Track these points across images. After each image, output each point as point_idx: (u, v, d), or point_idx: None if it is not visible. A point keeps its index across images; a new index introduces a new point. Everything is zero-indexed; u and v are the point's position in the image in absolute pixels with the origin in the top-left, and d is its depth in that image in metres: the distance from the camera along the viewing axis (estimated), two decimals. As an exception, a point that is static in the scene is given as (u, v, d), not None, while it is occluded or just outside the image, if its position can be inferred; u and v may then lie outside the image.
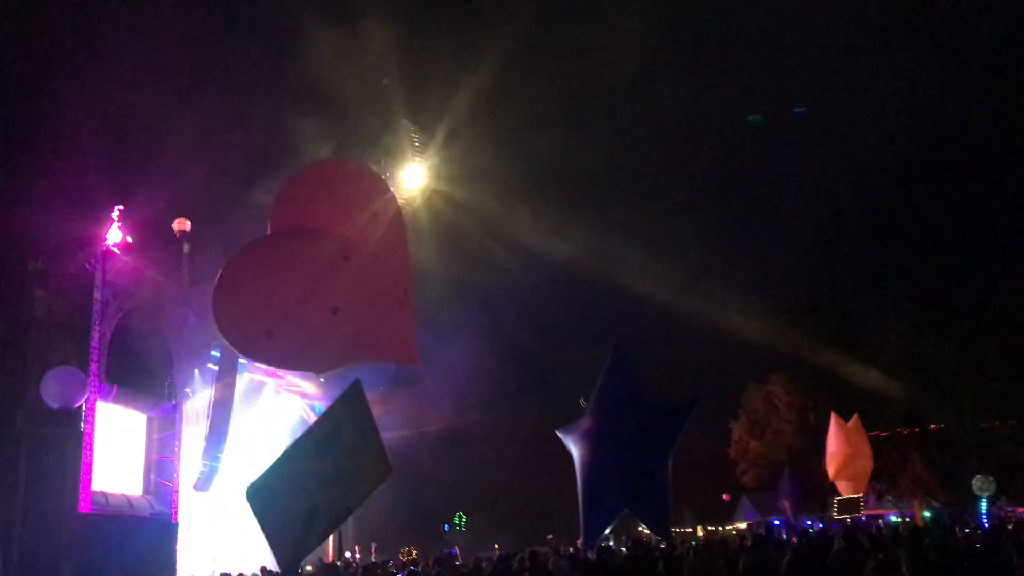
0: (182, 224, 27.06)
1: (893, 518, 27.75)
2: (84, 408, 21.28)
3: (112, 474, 23.24)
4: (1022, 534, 12.92)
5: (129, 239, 24.00)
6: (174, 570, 22.55)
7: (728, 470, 41.02)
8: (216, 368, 28.06)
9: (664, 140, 36.64)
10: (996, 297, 34.13)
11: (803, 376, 37.84)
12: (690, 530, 32.69)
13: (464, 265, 33.09)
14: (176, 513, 24.38)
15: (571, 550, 18.47)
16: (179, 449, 25.47)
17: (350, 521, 35.64)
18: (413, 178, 30.03)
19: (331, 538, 30.69)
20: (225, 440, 25.53)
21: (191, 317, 26.73)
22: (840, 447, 24.55)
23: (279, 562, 5.74)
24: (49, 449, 21.01)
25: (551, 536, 33.22)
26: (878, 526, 22.18)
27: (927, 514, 29.45)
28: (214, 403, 26.30)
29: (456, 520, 38.07)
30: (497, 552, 20.70)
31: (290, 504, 5.82)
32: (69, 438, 21.13)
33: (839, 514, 25.08)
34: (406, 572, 16.20)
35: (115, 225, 23.54)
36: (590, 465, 15.07)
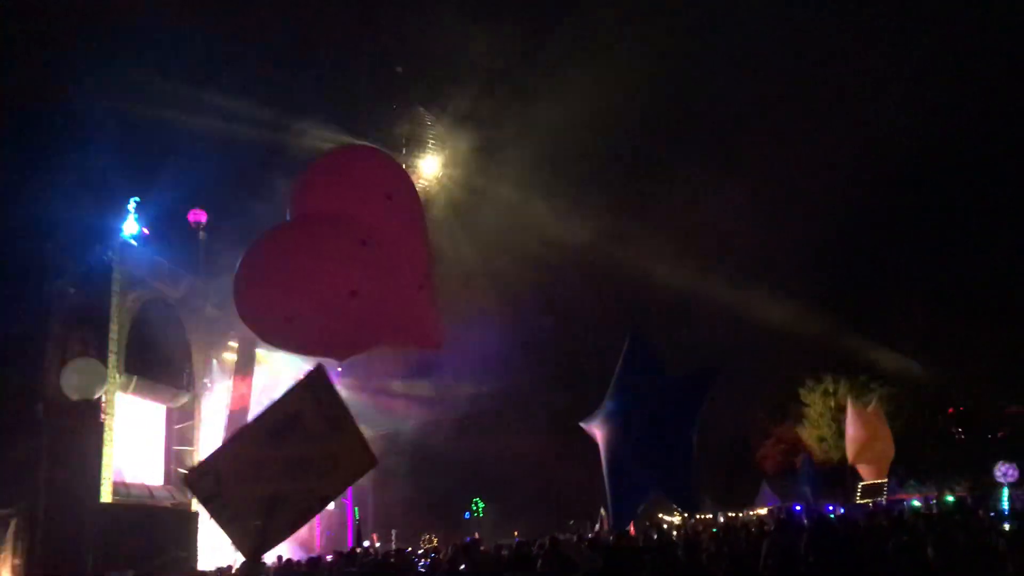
0: (198, 215, 27.13)
1: (915, 503, 27.54)
2: (104, 399, 21.39)
3: (133, 464, 23.38)
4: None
5: (146, 231, 24.09)
6: (195, 558, 22.67)
7: (748, 456, 40.98)
8: (234, 358, 28.23)
9: (687, 124, 36.33)
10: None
11: (827, 361, 37.65)
12: (710, 516, 32.56)
13: (481, 251, 33.02)
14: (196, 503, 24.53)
15: (589, 536, 18.45)
16: (198, 439, 25.59)
17: (370, 509, 35.91)
18: (429, 165, 29.98)
19: (352, 527, 30.94)
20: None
21: (208, 308, 26.85)
22: (859, 432, 24.38)
23: (240, 550, 5.54)
24: (70, 440, 21.14)
25: (572, 522, 33.23)
26: (900, 511, 22.01)
27: (950, 499, 29.22)
28: (232, 394, 26.43)
29: (474, 507, 38.14)
30: (516, 539, 20.69)
31: (243, 492, 5.55)
32: (90, 429, 21.26)
33: (861, 499, 24.93)
34: (428, 559, 16.22)
35: (132, 217, 23.61)
36: (615, 448, 14.99)
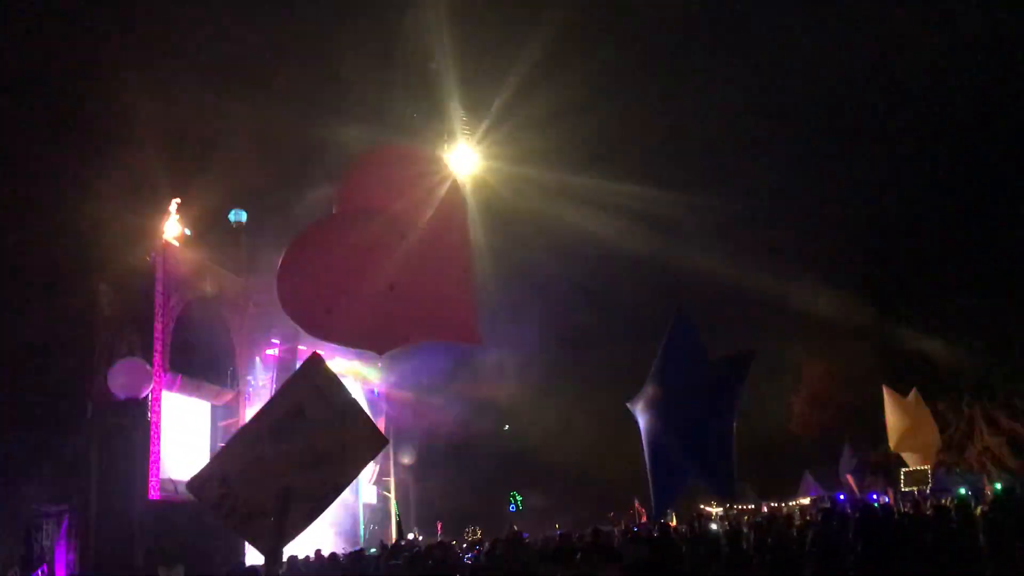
0: (238, 214, 27.47)
1: (961, 490, 27.13)
2: (150, 398, 21.78)
3: (179, 461, 23.77)
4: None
5: (187, 231, 24.44)
6: (242, 553, 23.00)
7: (788, 445, 40.62)
8: (276, 355, 28.58)
9: (728, 111, 35.90)
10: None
11: (868, 348, 37.23)
12: (752, 507, 32.36)
13: (518, 245, 33.06)
14: (242, 498, 24.84)
15: (635, 528, 18.47)
16: (243, 436, 25.94)
17: (412, 503, 36.20)
18: (463, 160, 30.07)
19: (393, 521, 31.19)
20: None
21: (250, 306, 27.21)
22: (899, 420, 24.08)
23: (258, 549, 5.48)
24: (118, 439, 21.61)
25: (611, 514, 33.20)
26: (947, 498, 21.74)
27: (998, 486, 28.77)
28: (275, 390, 26.72)
29: (512, 500, 38.29)
30: (559, 531, 20.75)
31: (254, 492, 5.47)
32: (137, 428, 21.69)
33: (906, 487, 24.63)
34: (472, 552, 16.34)
35: (173, 217, 23.96)
36: (655, 433, 14.96)
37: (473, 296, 9.15)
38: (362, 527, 31.32)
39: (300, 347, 28.63)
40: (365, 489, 31.96)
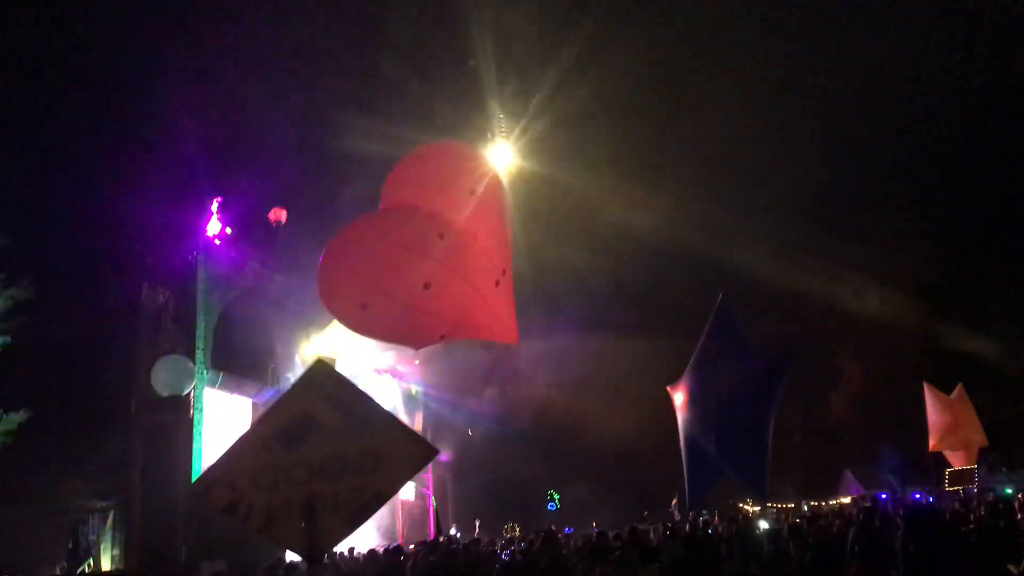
0: (278, 214, 27.66)
1: (1008, 490, 26.64)
2: (192, 395, 22.02)
3: (221, 458, 24.00)
4: None
5: (228, 230, 24.68)
6: (284, 549, 23.20)
7: (830, 443, 40.17)
8: (316, 352, 28.71)
9: (769, 107, 35.56)
10: None
11: (912, 345, 36.73)
12: (792, 506, 32.03)
13: (555, 244, 32.99)
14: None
15: (670, 524, 18.34)
16: (283, 432, 26.13)
17: (450, 499, 36.29)
18: (499, 158, 30.06)
19: (432, 517, 31.30)
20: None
21: (290, 304, 27.39)
22: (941, 417, 23.67)
23: (294, 552, 5.32)
24: (162, 435, 21.91)
25: (647, 513, 33.01)
26: (993, 497, 21.34)
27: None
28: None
29: (549, 498, 38.21)
30: (596, 529, 20.69)
31: (269, 499, 5.25)
32: (180, 425, 21.95)
33: (950, 486, 24.24)
34: (510, 549, 16.33)
35: (214, 216, 24.20)
36: (692, 426, 14.87)
37: (511, 296, 9.14)
38: (400, 523, 31.46)
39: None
40: (404, 486, 31.96)
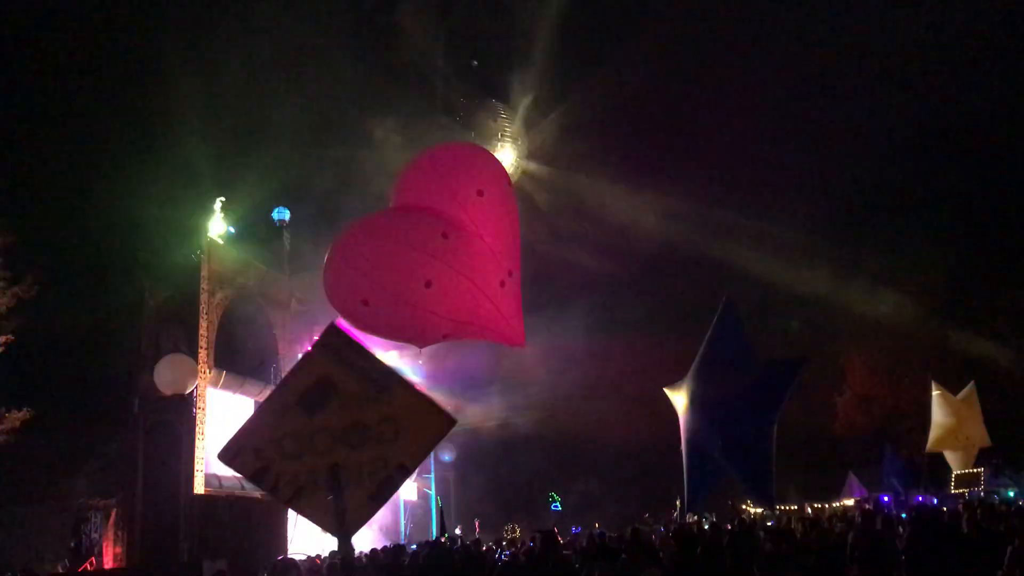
0: (281, 213, 27.72)
1: (1010, 492, 26.59)
2: (195, 394, 22.05)
3: (224, 457, 24.03)
4: None
5: (232, 229, 24.71)
6: (286, 547, 23.26)
7: (832, 445, 40.11)
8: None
9: (778, 107, 35.46)
10: None
11: (917, 347, 36.67)
12: (795, 508, 31.99)
13: (557, 245, 32.99)
14: (286, 493, 25.03)
15: (672, 526, 18.33)
16: (286, 432, 26.17)
17: (453, 499, 36.27)
18: (503, 158, 30.08)
19: (434, 517, 31.31)
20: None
21: (293, 303, 27.45)
22: (943, 418, 23.66)
23: (324, 529, 5.20)
24: (164, 434, 21.94)
25: (647, 515, 33.00)
26: (992, 501, 21.31)
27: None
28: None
29: (551, 499, 38.24)
30: (598, 530, 20.68)
31: (296, 467, 5.14)
32: (182, 423, 21.97)
33: (956, 488, 24.21)
34: (511, 550, 16.32)
35: (218, 216, 24.24)
36: (695, 428, 14.81)
37: (519, 298, 9.13)
38: (403, 523, 31.47)
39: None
40: (406, 485, 32.07)
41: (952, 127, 34.63)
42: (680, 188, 34.15)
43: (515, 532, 29.28)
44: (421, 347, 9.02)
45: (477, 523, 32.37)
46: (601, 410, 38.42)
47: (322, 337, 5.39)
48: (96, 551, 21.57)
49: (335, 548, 14.63)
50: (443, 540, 17.26)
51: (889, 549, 9.47)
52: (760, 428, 13.77)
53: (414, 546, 18.77)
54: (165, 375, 21.47)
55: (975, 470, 24.58)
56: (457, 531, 29.38)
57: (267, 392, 26.38)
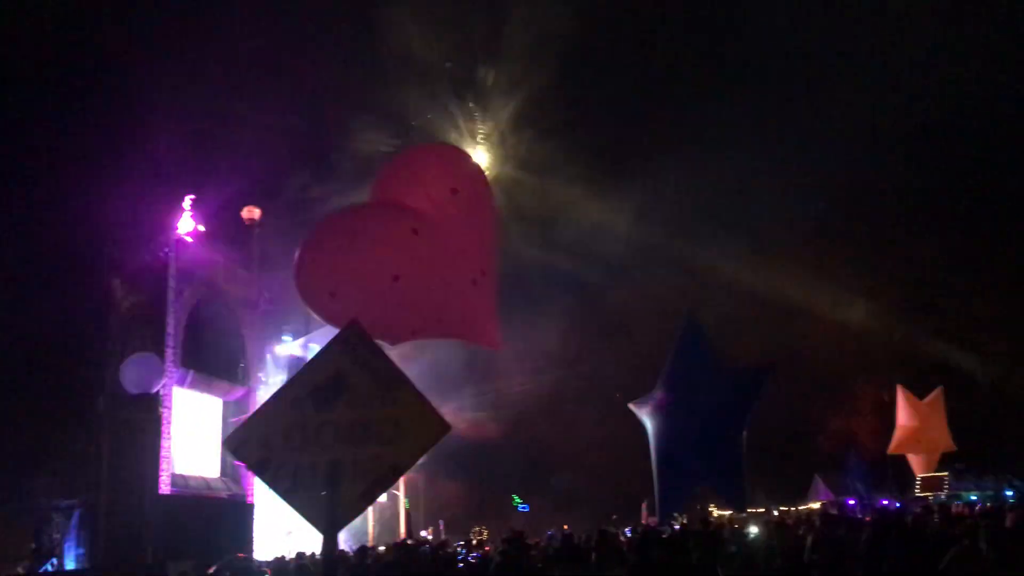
0: (251, 212, 27.53)
1: (972, 496, 26.98)
2: (162, 394, 21.85)
3: (190, 457, 23.85)
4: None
5: (201, 228, 24.51)
6: (251, 547, 23.09)
7: (801, 448, 40.45)
8: (288, 352, 28.61)
9: (749, 116, 35.63)
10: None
11: (886, 351, 37.12)
12: (762, 510, 32.25)
13: (528, 249, 32.99)
14: (252, 494, 24.91)
15: (640, 529, 18.40)
16: (254, 432, 26.01)
17: (422, 501, 36.17)
18: (482, 161, 30.08)
19: (402, 518, 31.22)
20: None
21: (262, 303, 27.27)
22: (907, 421, 23.94)
23: (312, 524, 5.30)
24: (130, 433, 21.69)
25: (615, 516, 33.11)
26: (957, 504, 21.61)
27: (1009, 492, 28.57)
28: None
29: (515, 502, 38.30)
30: (565, 530, 20.72)
31: (298, 459, 5.29)
32: (148, 422, 21.76)
33: (920, 492, 24.49)
34: (478, 552, 16.29)
35: (187, 214, 24.04)
36: (664, 437, 14.86)
37: (493, 299, 9.13)
38: (371, 524, 31.34)
39: (312, 343, 28.71)
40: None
41: (926, 134, 35.03)
42: (653, 191, 34.34)
43: (483, 534, 29.25)
44: (392, 344, 9.00)
45: (442, 524, 32.33)
46: (573, 411, 38.54)
47: (341, 333, 5.52)
48: (58, 552, 21.29)
49: (301, 550, 14.50)
50: (408, 541, 17.22)
51: (849, 552, 9.55)
52: (730, 434, 13.88)
53: (382, 548, 18.72)
54: (131, 374, 21.25)
55: (939, 474, 24.86)
56: (424, 533, 29.32)
57: (235, 392, 26.37)
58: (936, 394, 24.16)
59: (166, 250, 22.98)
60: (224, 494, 24.76)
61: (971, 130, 33.86)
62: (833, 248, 37.88)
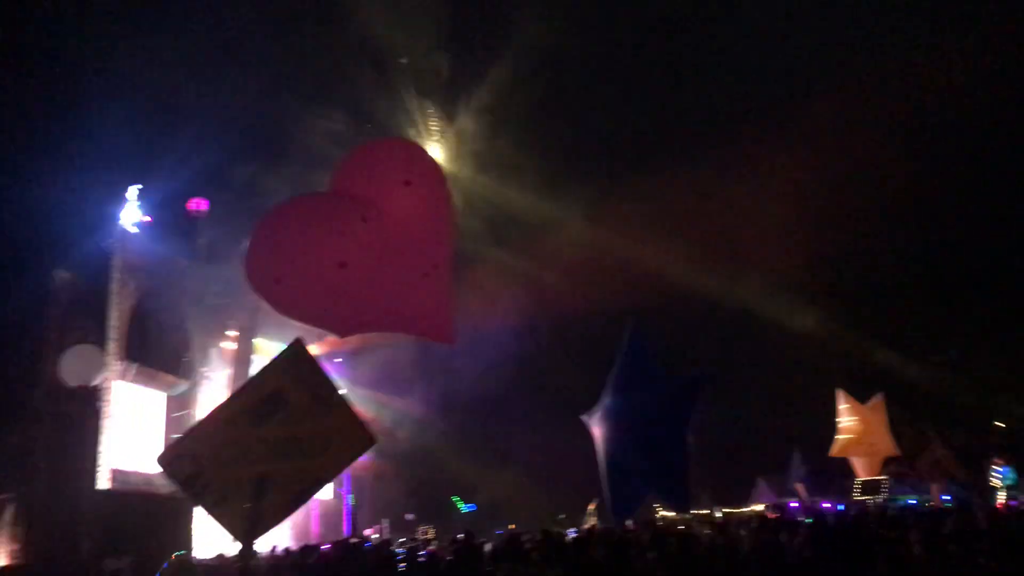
0: (199, 204, 27.15)
1: (911, 500, 27.54)
2: (103, 386, 21.45)
3: (131, 452, 23.43)
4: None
5: (147, 218, 24.11)
6: (190, 547, 22.74)
7: (744, 451, 40.96)
8: (233, 347, 28.29)
9: (709, 113, 35.94)
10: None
11: (827, 357, 37.73)
12: (707, 512, 32.60)
13: (478, 249, 33.00)
14: (193, 491, 24.52)
15: (586, 528, 18.49)
16: (197, 428, 25.66)
17: (367, 500, 35.96)
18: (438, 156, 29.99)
19: (346, 517, 31.03)
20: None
21: (208, 297, 26.91)
22: (849, 425, 24.37)
23: (232, 534, 5.34)
24: (68, 427, 21.24)
25: (562, 516, 33.25)
26: (888, 507, 22.06)
27: (946, 497, 29.23)
28: (231, 383, 26.47)
29: (457, 504, 38.33)
30: (510, 530, 20.76)
31: (227, 475, 5.34)
32: (88, 416, 21.36)
33: (860, 495, 24.92)
34: (425, 551, 16.24)
35: (133, 204, 23.63)
36: (614, 445, 15.03)
37: (447, 293, 9.10)
38: (315, 523, 31.11)
39: (256, 339, 28.42)
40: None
41: (885, 141, 35.57)
42: (605, 191, 34.52)
43: (428, 533, 29.16)
44: (342, 336, 8.96)
45: (385, 523, 32.19)
46: (522, 410, 38.60)
47: (285, 352, 5.76)
48: (-10, 548, 20.76)
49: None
50: (352, 540, 17.11)
51: (786, 554, 9.70)
52: (673, 438, 14.08)
53: (326, 546, 18.56)
54: (71, 366, 20.84)
55: (879, 478, 25.34)
56: (369, 531, 29.17)
57: (178, 386, 25.96)
58: (878, 399, 24.62)
59: (110, 240, 22.55)
60: (165, 491, 24.31)
61: (929, 129, 34.34)
62: (773, 250, 38.35)
